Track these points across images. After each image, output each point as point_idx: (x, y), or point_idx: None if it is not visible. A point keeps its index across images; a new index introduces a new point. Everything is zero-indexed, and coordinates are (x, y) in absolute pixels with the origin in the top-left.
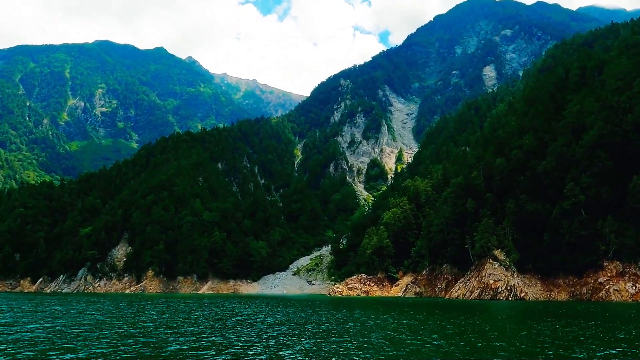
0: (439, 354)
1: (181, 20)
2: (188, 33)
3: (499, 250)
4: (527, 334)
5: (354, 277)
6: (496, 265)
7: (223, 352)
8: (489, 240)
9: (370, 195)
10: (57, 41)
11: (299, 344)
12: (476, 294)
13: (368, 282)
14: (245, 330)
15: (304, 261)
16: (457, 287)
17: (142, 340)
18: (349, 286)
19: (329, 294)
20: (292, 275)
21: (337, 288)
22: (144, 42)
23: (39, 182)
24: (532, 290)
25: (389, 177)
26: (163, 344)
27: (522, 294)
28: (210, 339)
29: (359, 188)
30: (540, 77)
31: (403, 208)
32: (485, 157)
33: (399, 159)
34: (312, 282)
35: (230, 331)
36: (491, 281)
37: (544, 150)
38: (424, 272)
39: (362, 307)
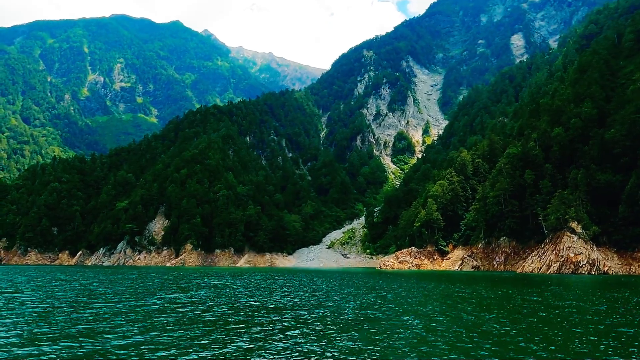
0: None
1: None
2: (202, 5)
3: (576, 222)
4: None
5: (404, 250)
6: (575, 238)
7: None
8: (565, 212)
9: (397, 168)
10: (72, 16)
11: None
12: (555, 268)
13: (419, 256)
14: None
15: (336, 234)
16: (531, 261)
17: None
18: (399, 259)
19: (379, 267)
20: (327, 248)
21: (388, 261)
22: (160, 15)
23: (64, 157)
24: (610, 264)
25: (416, 149)
26: None
27: (606, 268)
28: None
29: (386, 161)
30: (592, 44)
31: (451, 180)
32: (540, 127)
33: (425, 131)
34: (347, 255)
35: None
36: (571, 254)
37: (606, 119)
38: (479, 246)
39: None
